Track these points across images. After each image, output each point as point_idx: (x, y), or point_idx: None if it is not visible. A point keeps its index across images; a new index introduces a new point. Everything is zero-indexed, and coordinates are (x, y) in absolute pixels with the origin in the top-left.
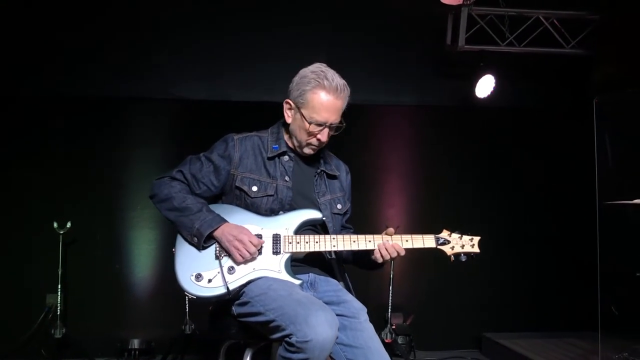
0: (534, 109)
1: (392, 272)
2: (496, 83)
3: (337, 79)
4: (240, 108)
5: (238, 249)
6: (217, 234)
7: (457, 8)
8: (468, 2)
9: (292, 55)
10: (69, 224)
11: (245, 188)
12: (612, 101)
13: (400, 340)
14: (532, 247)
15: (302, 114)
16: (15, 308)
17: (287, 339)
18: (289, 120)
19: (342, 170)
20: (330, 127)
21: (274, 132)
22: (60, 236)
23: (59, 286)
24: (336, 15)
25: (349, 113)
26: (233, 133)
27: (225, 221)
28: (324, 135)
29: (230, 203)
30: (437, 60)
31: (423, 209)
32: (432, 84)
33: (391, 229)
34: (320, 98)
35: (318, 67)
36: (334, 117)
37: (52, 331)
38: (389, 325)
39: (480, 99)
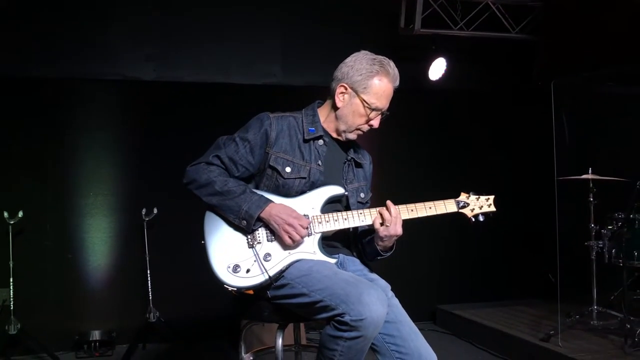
0: (483, 91)
1: None
2: (447, 66)
3: (395, 68)
4: (193, 89)
5: (288, 232)
6: (264, 215)
7: None
8: None
9: (246, 37)
10: (20, 214)
11: (279, 168)
12: (567, 84)
13: None
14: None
15: (361, 99)
16: None
17: (338, 317)
18: (340, 104)
19: (367, 159)
20: (382, 114)
21: (308, 114)
22: (10, 226)
23: (11, 279)
24: None
25: (303, 96)
26: (268, 112)
27: (271, 201)
28: (377, 122)
29: (260, 182)
30: (389, 44)
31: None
32: None
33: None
34: (384, 84)
35: (370, 54)
36: (388, 105)
37: (6, 327)
38: None
39: (432, 81)
